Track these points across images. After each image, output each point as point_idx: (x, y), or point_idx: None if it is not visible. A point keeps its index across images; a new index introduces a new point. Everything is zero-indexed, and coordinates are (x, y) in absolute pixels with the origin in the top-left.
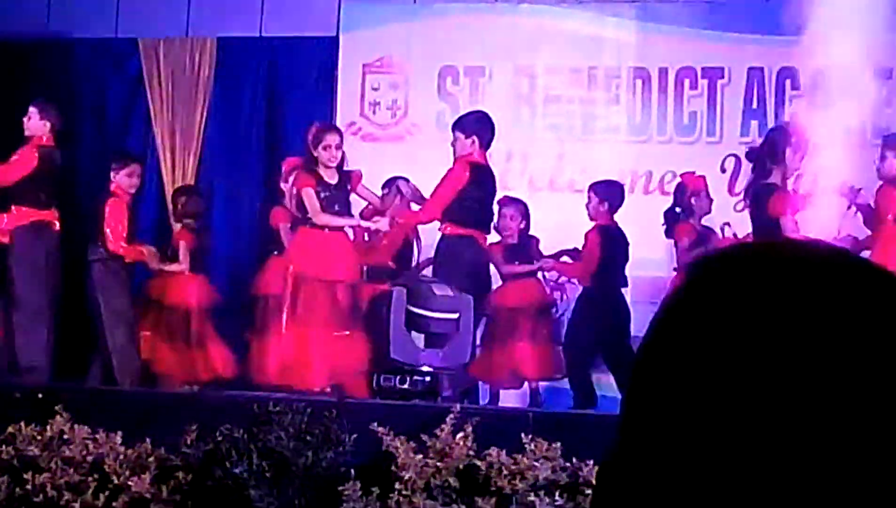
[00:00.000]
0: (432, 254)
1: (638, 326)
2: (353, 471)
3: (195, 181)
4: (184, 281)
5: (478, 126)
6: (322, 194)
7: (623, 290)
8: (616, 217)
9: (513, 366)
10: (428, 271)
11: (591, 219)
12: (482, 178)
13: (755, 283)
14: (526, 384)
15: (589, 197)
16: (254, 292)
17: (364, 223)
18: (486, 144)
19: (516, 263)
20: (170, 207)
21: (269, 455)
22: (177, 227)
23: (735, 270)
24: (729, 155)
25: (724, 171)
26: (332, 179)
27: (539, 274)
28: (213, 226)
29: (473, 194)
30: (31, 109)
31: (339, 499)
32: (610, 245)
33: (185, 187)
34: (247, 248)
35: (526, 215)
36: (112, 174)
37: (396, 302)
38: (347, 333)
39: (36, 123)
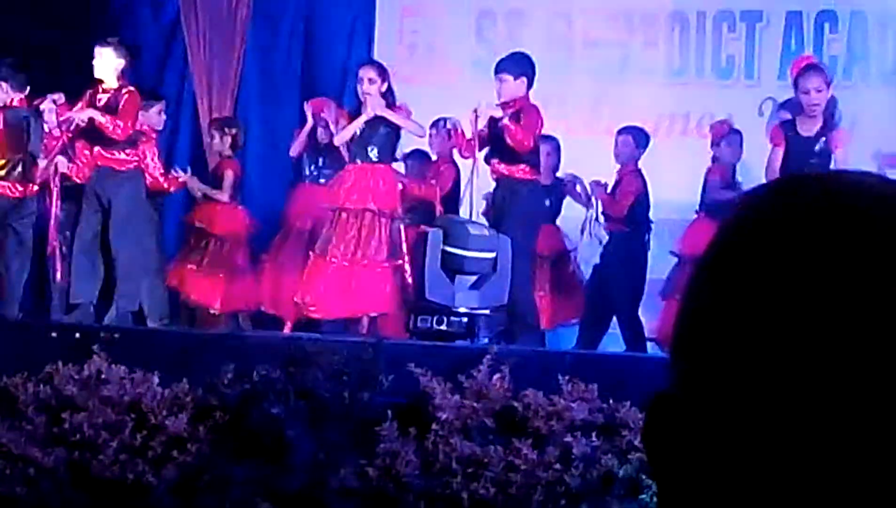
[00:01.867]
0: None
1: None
2: (389, 412)
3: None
4: (229, 211)
5: (527, 66)
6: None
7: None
8: (641, 162)
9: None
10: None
11: (621, 162)
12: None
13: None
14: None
15: (616, 141)
16: (288, 222)
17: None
18: (531, 85)
19: (547, 203)
20: (206, 140)
21: (306, 396)
22: (216, 158)
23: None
24: (767, 98)
25: (761, 114)
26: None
27: (557, 221)
28: (248, 163)
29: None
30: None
31: (375, 439)
32: (643, 188)
33: (227, 119)
34: (281, 185)
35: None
36: (139, 113)
37: (432, 243)
38: (386, 266)
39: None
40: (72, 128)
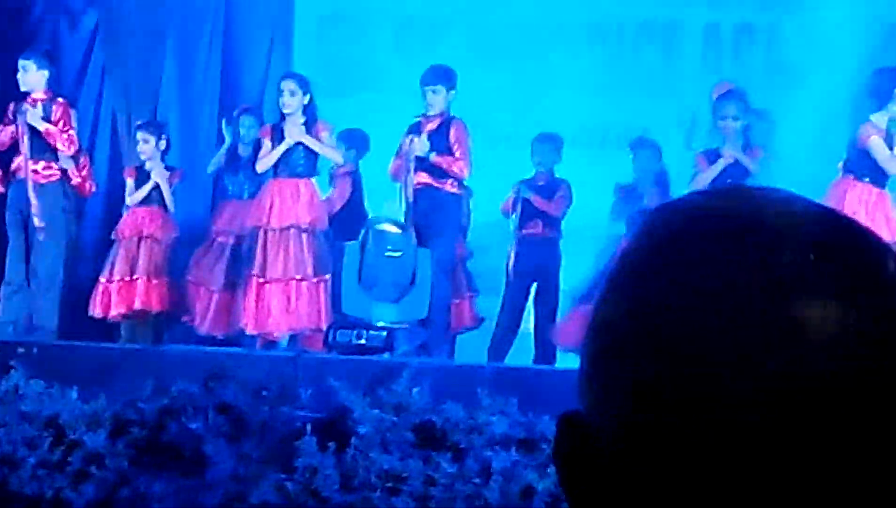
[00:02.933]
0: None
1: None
2: (309, 426)
3: None
4: (152, 214)
5: (453, 79)
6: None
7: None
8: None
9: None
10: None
11: (544, 168)
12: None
13: (710, 231)
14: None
15: (534, 148)
16: (211, 236)
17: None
18: (454, 97)
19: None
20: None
21: (225, 411)
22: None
23: (691, 216)
24: (686, 109)
25: (680, 125)
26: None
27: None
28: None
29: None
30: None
31: (295, 454)
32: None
33: (156, 122)
34: (200, 196)
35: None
36: None
37: (349, 257)
38: (309, 283)
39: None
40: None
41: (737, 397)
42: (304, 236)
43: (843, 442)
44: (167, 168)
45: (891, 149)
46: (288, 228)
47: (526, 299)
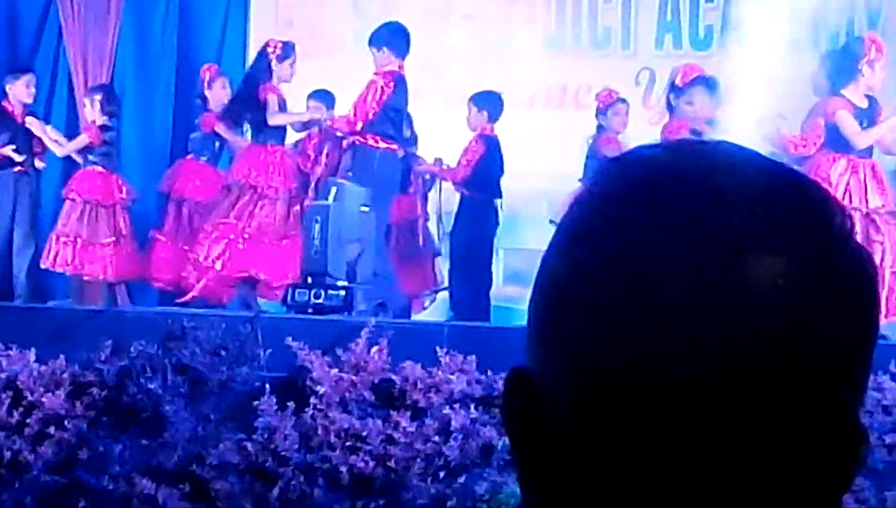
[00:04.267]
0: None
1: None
2: (268, 386)
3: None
4: (104, 178)
5: (393, 38)
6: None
7: (497, 201)
8: (497, 128)
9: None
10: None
11: (472, 129)
12: (400, 90)
13: (663, 186)
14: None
15: (469, 108)
16: (169, 193)
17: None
18: (402, 56)
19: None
20: (81, 111)
21: (183, 371)
22: (92, 126)
23: (638, 171)
24: (643, 69)
25: (638, 84)
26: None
27: (413, 191)
28: (125, 134)
29: (394, 106)
30: None
31: (254, 414)
32: (487, 155)
33: (104, 86)
34: (160, 152)
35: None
36: (7, 87)
37: (309, 216)
38: (280, 243)
39: None
40: None
41: (681, 352)
42: (276, 197)
43: (787, 398)
44: (102, 127)
45: (861, 124)
46: (261, 188)
47: (471, 259)
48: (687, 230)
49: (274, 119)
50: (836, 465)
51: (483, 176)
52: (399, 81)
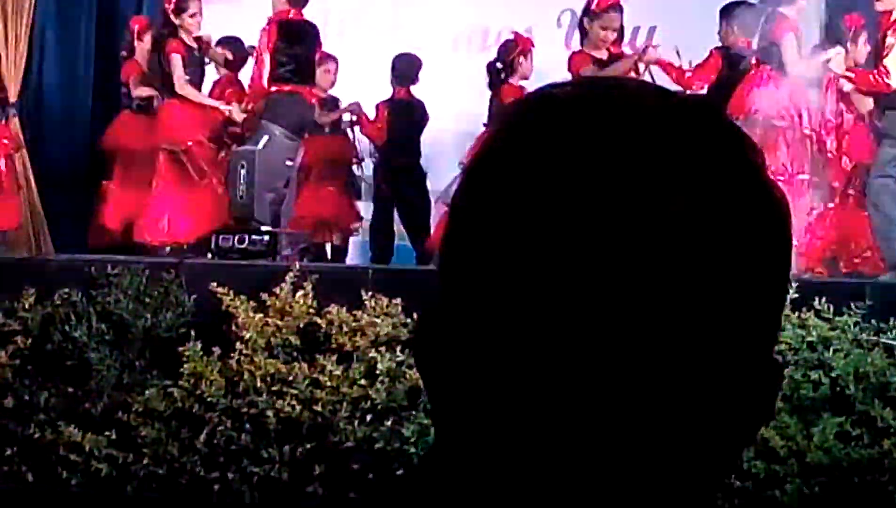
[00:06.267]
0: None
1: None
2: (192, 332)
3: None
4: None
5: None
6: (187, 65)
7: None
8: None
9: (319, 217)
10: None
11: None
12: (300, 35)
13: (566, 124)
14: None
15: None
16: (101, 146)
17: (222, 106)
18: (300, 3)
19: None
20: None
21: (107, 318)
22: None
23: (547, 110)
24: (565, 10)
25: (560, 25)
26: (192, 46)
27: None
28: (46, 86)
29: (292, 52)
30: None
31: (179, 360)
32: (403, 116)
33: None
34: (81, 107)
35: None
36: None
37: (234, 161)
38: (198, 189)
39: None
40: None
41: (576, 284)
42: (209, 146)
43: (695, 325)
44: None
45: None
46: (194, 140)
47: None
48: (586, 164)
49: (184, 91)
50: (755, 396)
51: (404, 135)
52: (295, 27)
